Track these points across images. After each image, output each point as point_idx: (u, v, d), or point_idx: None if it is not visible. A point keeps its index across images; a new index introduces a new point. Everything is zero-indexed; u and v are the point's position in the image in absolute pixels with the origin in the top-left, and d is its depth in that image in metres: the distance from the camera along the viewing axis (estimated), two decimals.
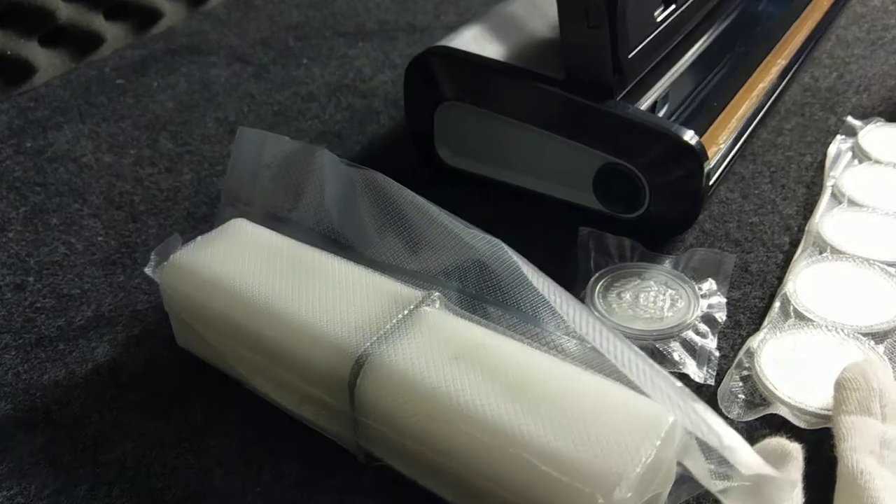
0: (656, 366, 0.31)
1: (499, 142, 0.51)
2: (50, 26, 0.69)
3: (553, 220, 0.51)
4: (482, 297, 0.39)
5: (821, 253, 0.47)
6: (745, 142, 0.54)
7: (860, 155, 0.55)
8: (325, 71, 0.71)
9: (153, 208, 0.54)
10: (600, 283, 0.45)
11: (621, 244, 0.47)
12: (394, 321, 0.35)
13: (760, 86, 0.57)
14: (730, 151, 0.51)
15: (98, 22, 0.73)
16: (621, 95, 0.47)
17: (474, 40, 0.52)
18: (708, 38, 0.59)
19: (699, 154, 0.45)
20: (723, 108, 0.53)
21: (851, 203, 0.51)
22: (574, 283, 0.46)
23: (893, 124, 0.58)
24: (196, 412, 0.40)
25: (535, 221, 0.52)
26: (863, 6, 0.78)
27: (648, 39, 0.49)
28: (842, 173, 0.53)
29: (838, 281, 0.44)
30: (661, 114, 0.51)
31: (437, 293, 0.37)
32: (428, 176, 0.56)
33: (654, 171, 0.46)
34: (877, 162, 0.54)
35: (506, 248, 0.36)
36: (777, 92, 0.59)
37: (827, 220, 0.49)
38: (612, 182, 0.48)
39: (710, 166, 0.48)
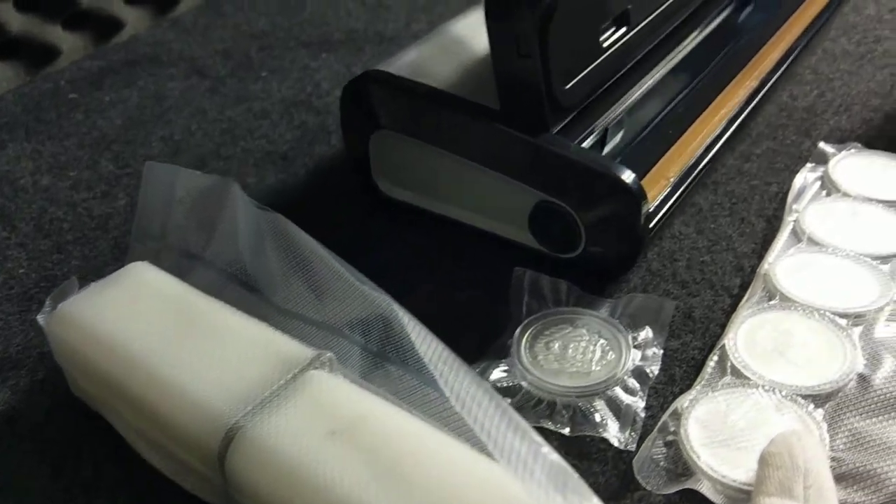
0: (544, 448, 0.29)
1: (434, 174, 0.48)
2: (2, 38, 0.68)
3: (494, 254, 0.48)
4: (384, 354, 0.36)
5: (770, 300, 0.43)
6: (703, 171, 0.51)
7: (829, 186, 0.51)
8: (282, 85, 0.68)
9: (81, 237, 0.52)
10: (529, 331, 0.42)
11: (556, 287, 0.44)
12: (275, 387, 0.33)
13: (724, 111, 0.53)
14: (682, 184, 0.48)
15: (55, 33, 0.72)
16: (559, 128, 0.44)
17: (413, 64, 0.49)
18: (673, 59, 0.55)
19: (636, 195, 0.42)
20: (678, 138, 0.49)
21: (811, 242, 0.47)
22: (507, 326, 0.43)
23: (869, 151, 0.54)
24: (86, 467, 0.38)
25: (474, 254, 0.49)
26: (856, 15, 0.73)
27: (593, 66, 0.46)
28: (805, 207, 0.50)
29: (783, 333, 0.41)
30: (609, 146, 0.48)
31: (329, 353, 0.34)
32: (369, 202, 0.53)
33: (589, 211, 0.43)
34: (845, 195, 0.50)
35: (395, 306, 0.33)
36: (745, 115, 0.55)
37: (781, 262, 0.45)
38: (547, 221, 0.45)
39: (654, 206, 0.45)
